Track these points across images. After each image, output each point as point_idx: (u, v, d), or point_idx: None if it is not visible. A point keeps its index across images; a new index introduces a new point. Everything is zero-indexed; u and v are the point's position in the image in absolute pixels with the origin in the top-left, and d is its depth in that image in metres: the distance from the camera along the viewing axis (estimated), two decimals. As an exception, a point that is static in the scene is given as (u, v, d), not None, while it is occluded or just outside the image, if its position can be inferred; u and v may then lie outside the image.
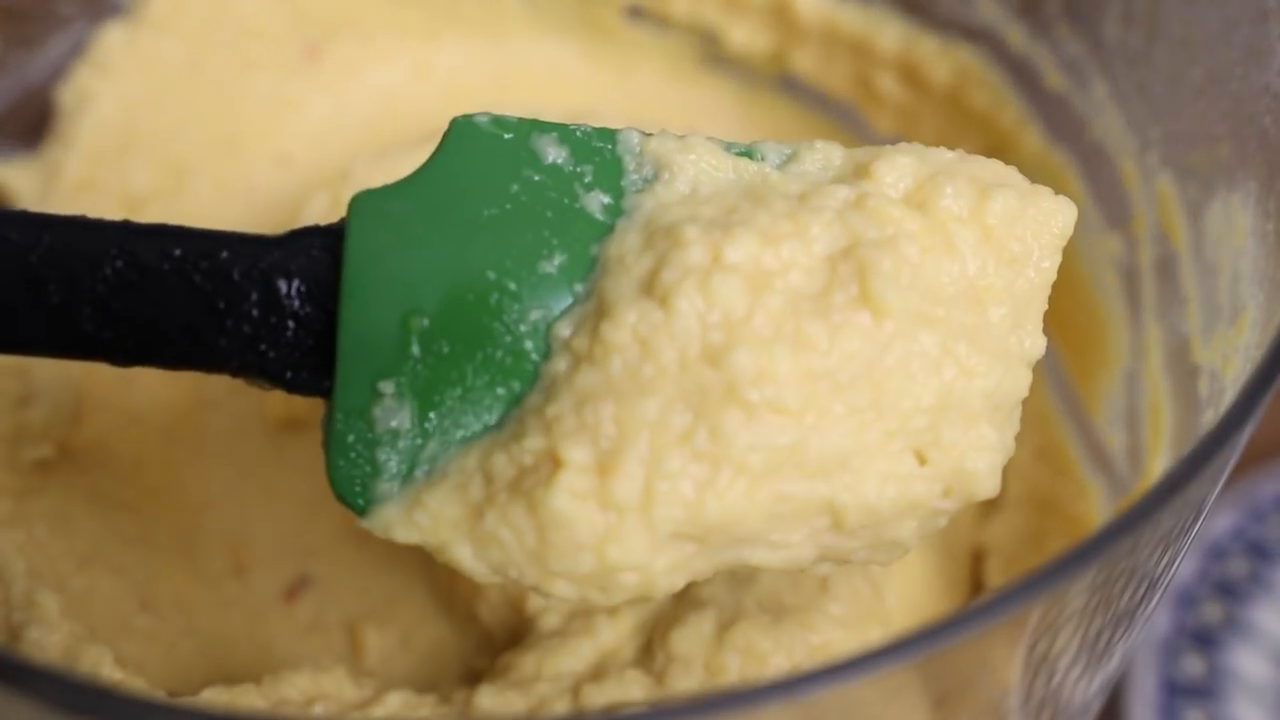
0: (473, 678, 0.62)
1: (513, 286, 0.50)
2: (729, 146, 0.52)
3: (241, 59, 0.84)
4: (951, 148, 0.81)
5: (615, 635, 0.59)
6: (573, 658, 0.58)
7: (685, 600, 0.60)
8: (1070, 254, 0.77)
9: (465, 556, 0.49)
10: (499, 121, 0.51)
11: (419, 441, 0.49)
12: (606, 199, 0.51)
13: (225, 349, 0.51)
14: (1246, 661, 0.84)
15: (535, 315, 0.50)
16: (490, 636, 0.64)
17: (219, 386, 0.74)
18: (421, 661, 0.65)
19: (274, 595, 0.68)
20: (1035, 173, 0.79)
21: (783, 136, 0.88)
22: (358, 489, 0.50)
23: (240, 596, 0.68)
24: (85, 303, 0.50)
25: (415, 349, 0.49)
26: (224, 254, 0.51)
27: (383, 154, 0.76)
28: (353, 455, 0.50)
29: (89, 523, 0.68)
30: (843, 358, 0.47)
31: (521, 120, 0.52)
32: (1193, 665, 0.84)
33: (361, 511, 0.50)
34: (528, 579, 0.48)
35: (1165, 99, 0.70)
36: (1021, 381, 0.50)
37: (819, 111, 0.87)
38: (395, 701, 0.58)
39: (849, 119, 0.87)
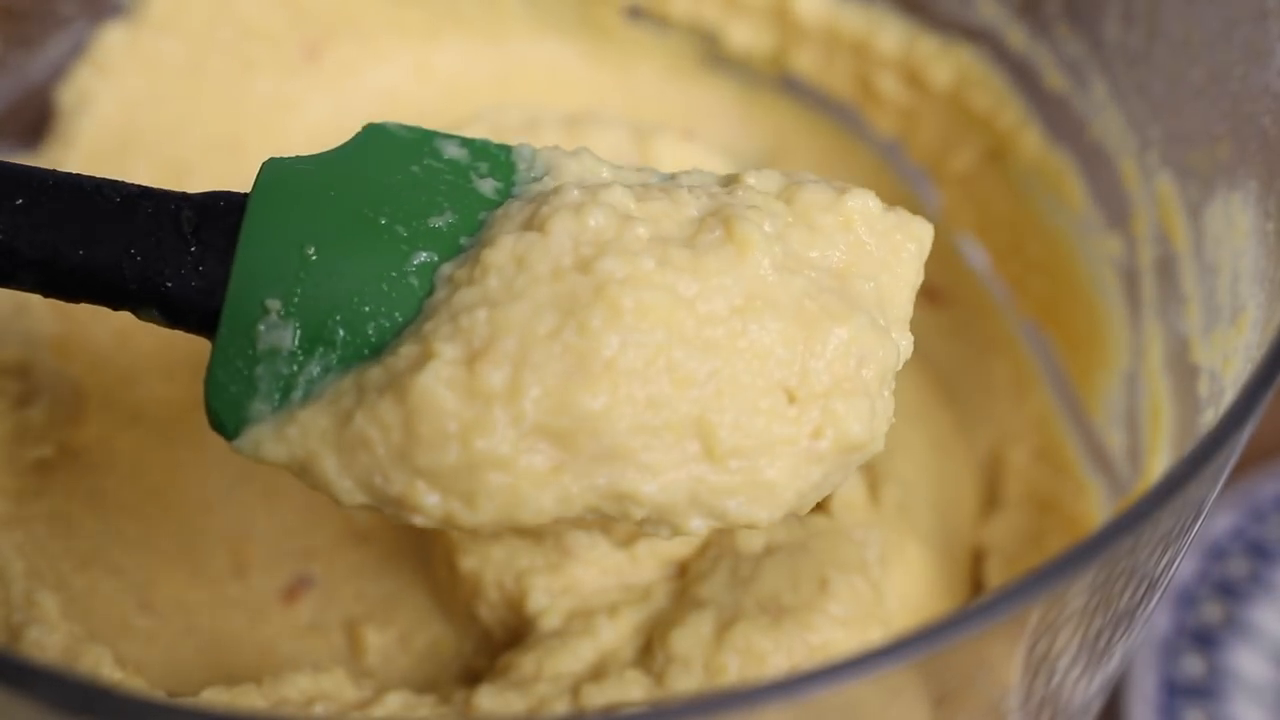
0: (472, 678, 0.62)
1: (402, 232, 0.52)
2: (616, 167, 0.56)
3: (241, 59, 0.84)
4: (952, 148, 0.83)
5: (615, 635, 0.60)
6: (572, 658, 0.58)
7: (685, 600, 0.60)
8: (1070, 254, 0.78)
9: (330, 469, 0.49)
10: (407, 128, 0.55)
11: (298, 364, 0.51)
12: (499, 184, 0.54)
13: (128, 271, 0.52)
14: (1246, 661, 0.84)
15: (422, 257, 0.52)
16: (490, 636, 0.64)
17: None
18: (421, 662, 0.65)
19: (274, 595, 0.68)
20: (1035, 173, 0.79)
21: (783, 136, 0.88)
22: (232, 407, 0.51)
23: (240, 596, 0.68)
24: None
25: (304, 273, 0.51)
26: (136, 190, 0.53)
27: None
28: (232, 370, 0.51)
29: (89, 523, 0.68)
30: (708, 286, 0.50)
31: (427, 130, 0.56)
32: (1193, 665, 0.84)
33: (232, 434, 0.51)
34: (393, 486, 0.49)
35: (1165, 99, 0.70)
36: (889, 350, 0.52)
37: (819, 112, 0.87)
38: (395, 702, 0.58)
39: (849, 119, 0.87)
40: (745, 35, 0.86)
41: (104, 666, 0.59)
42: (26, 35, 0.80)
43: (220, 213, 0.53)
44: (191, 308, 0.52)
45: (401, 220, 0.52)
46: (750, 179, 0.54)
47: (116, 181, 0.53)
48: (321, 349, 0.51)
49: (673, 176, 0.55)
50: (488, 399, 0.48)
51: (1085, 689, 0.55)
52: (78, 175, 0.53)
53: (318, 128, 0.85)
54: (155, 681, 0.61)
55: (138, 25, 0.82)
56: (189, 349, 0.74)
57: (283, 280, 0.51)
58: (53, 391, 0.71)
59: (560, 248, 0.50)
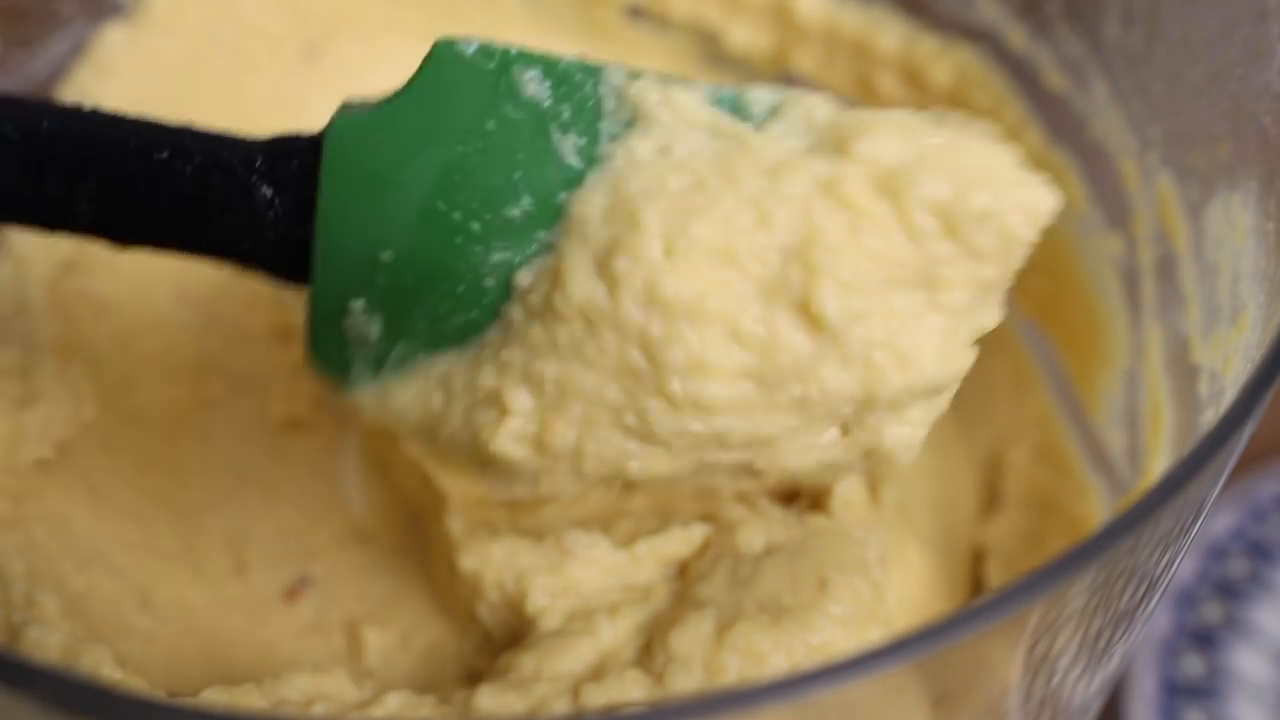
0: (472, 678, 0.62)
1: (477, 229, 0.51)
2: (716, 96, 0.51)
3: (241, 59, 0.84)
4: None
5: (615, 635, 0.59)
6: (572, 658, 0.58)
7: (685, 600, 0.60)
8: (1070, 254, 0.78)
9: (418, 451, 0.58)
10: (484, 51, 0.51)
11: (387, 347, 0.53)
12: (581, 140, 0.50)
13: (211, 241, 0.55)
14: (1246, 661, 0.84)
15: (498, 258, 0.51)
16: (490, 636, 0.64)
17: (220, 387, 0.74)
18: (421, 662, 0.65)
19: (274, 595, 0.68)
20: (1035, 173, 0.79)
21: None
22: (335, 372, 0.54)
23: (240, 597, 0.68)
24: (82, 180, 0.54)
25: (382, 277, 0.52)
26: (201, 158, 0.54)
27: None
28: (327, 348, 0.54)
29: (88, 524, 0.68)
30: (774, 366, 0.49)
31: (506, 51, 0.51)
32: (1193, 665, 0.84)
33: (345, 387, 0.55)
34: (463, 475, 0.55)
35: (1165, 99, 0.70)
36: (961, 362, 0.51)
37: (819, 111, 0.87)
38: (395, 702, 0.58)
39: (849, 119, 0.87)
40: (745, 35, 0.86)
41: (104, 666, 0.59)
42: (26, 35, 0.80)
43: (293, 182, 0.53)
44: (269, 267, 0.55)
45: (476, 213, 0.51)
46: (863, 151, 0.49)
47: (180, 144, 0.54)
48: (407, 338, 0.53)
49: (778, 106, 0.51)
50: (555, 457, 0.51)
51: (1085, 689, 0.55)
52: (146, 135, 0.55)
53: (318, 128, 0.85)
54: (155, 681, 0.61)
55: (138, 25, 0.82)
56: (190, 351, 0.74)
57: (361, 282, 0.52)
58: (52, 392, 0.71)
59: (628, 320, 0.49)
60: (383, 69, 0.87)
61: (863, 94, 0.85)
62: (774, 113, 0.51)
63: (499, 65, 0.51)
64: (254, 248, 0.54)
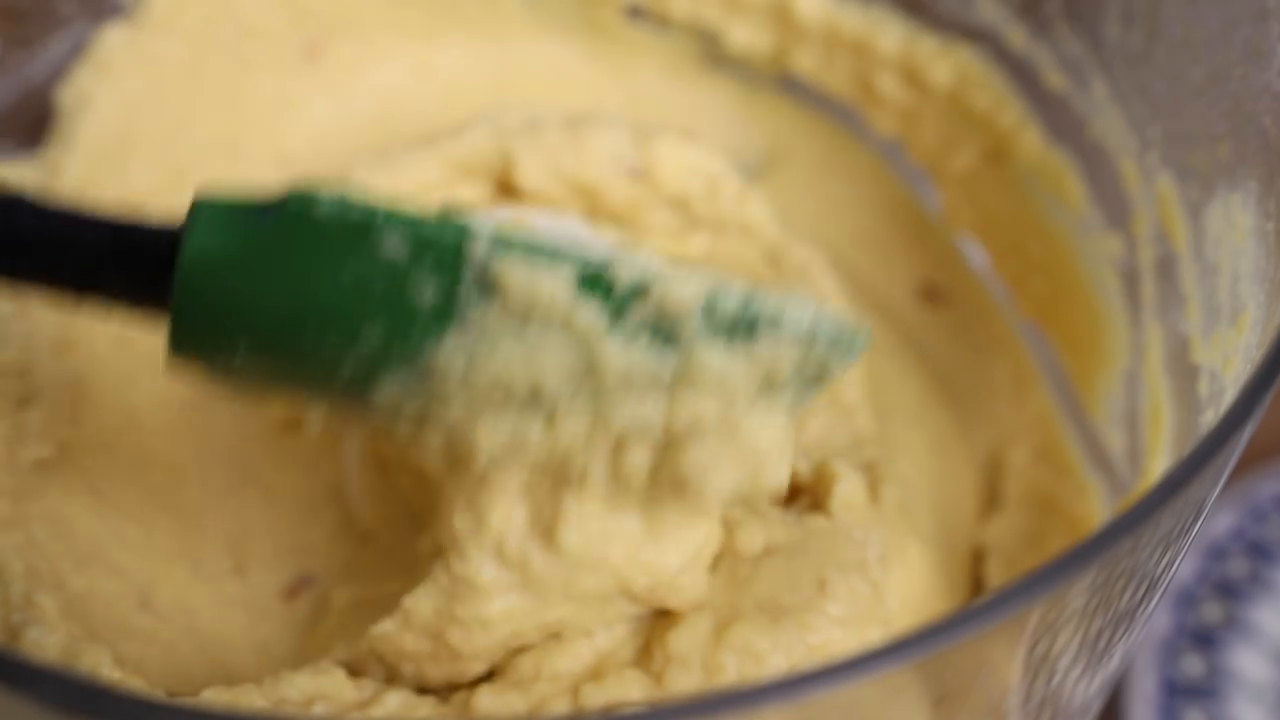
0: (472, 678, 0.62)
1: (331, 348, 0.52)
2: (583, 269, 0.51)
3: (241, 59, 0.84)
4: (952, 148, 0.82)
5: (614, 636, 0.59)
6: (571, 658, 0.58)
7: (685, 600, 0.60)
8: (1070, 254, 0.78)
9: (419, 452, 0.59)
10: (346, 206, 0.51)
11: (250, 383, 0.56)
12: (440, 284, 0.51)
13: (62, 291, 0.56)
14: (1246, 661, 0.84)
15: (352, 369, 0.52)
16: (490, 636, 0.64)
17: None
18: (421, 662, 0.65)
19: (274, 595, 0.68)
20: (1035, 173, 0.79)
21: (783, 136, 0.88)
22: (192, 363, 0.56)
23: (240, 596, 0.68)
24: None
25: (239, 358, 0.54)
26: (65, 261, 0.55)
27: (383, 154, 0.76)
28: (188, 352, 0.55)
29: (88, 523, 0.68)
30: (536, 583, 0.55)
31: (369, 211, 0.51)
32: (1193, 665, 0.84)
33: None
34: None
35: (1165, 99, 0.70)
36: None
37: (819, 111, 0.87)
38: (395, 702, 0.58)
39: (849, 119, 0.87)
40: (745, 35, 0.86)
41: (104, 666, 0.59)
42: (26, 35, 0.80)
43: (144, 280, 0.54)
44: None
45: (327, 340, 0.52)
46: (701, 375, 0.52)
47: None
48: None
49: (639, 290, 0.51)
50: None
51: (1085, 689, 0.55)
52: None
53: (318, 128, 0.85)
54: (155, 681, 0.61)
55: (138, 25, 0.82)
56: (189, 349, 0.74)
57: (219, 355, 0.54)
58: (52, 392, 0.71)
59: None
60: (383, 69, 0.87)
61: (863, 94, 0.85)
62: (636, 294, 0.51)
63: (360, 224, 0.51)
64: (107, 301, 0.56)
